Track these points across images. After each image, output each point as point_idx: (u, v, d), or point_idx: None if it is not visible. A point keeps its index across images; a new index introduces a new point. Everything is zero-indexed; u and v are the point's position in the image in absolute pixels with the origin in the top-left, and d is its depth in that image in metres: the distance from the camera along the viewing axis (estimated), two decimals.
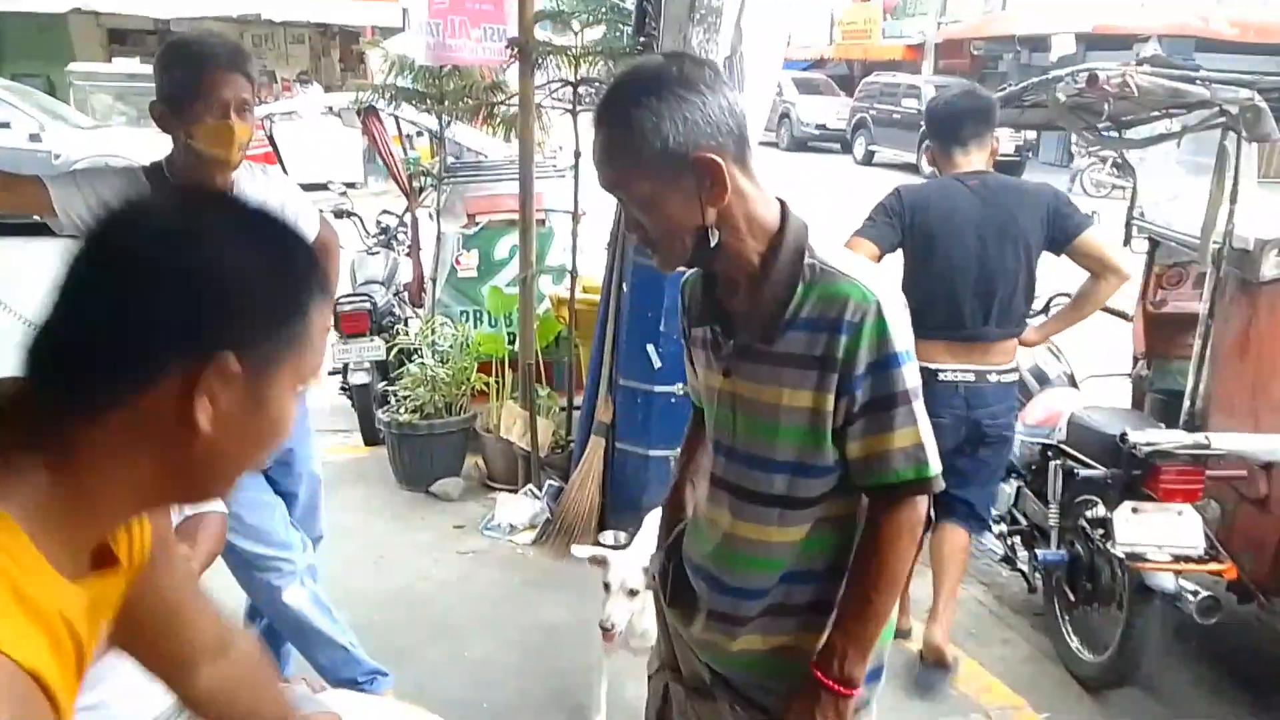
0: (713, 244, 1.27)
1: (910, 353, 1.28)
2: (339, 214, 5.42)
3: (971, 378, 2.78)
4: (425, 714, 2.13)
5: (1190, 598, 2.63)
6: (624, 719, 2.53)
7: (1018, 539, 3.37)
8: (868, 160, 17.41)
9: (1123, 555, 2.65)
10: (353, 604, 3.12)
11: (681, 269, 1.43)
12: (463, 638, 3.03)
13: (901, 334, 1.27)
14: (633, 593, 2.28)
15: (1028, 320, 3.01)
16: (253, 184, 2.36)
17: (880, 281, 1.30)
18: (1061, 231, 2.81)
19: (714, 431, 1.43)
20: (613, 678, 2.56)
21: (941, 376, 2.71)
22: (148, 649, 1.01)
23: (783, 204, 1.34)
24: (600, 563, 2.38)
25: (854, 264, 1.32)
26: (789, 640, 1.38)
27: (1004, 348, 2.86)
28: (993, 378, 2.81)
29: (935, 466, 1.30)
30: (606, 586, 2.31)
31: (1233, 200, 2.85)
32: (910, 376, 1.28)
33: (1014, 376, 2.93)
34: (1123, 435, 2.69)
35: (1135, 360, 3.75)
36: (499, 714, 2.60)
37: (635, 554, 2.43)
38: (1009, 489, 3.42)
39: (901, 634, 2.87)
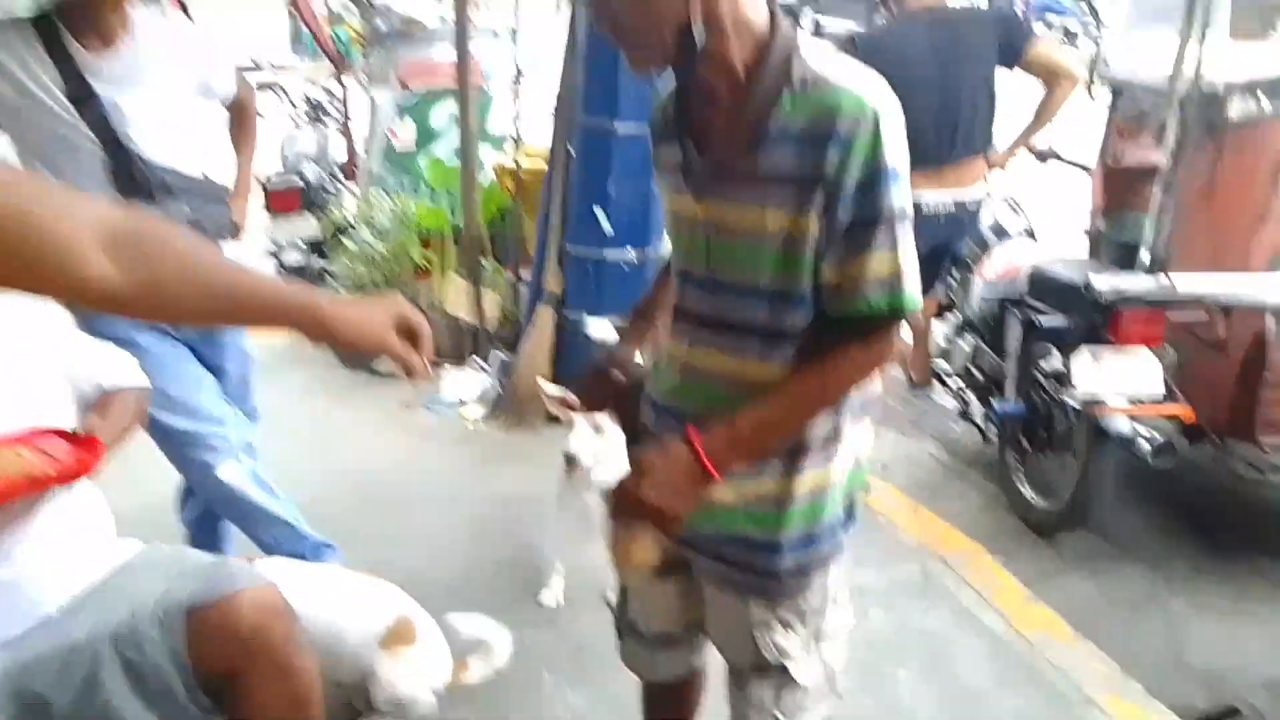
0: (697, 44, 1.12)
1: (902, 172, 1.15)
2: (264, 87, 5.09)
3: (952, 208, 2.98)
4: (372, 579, 2.07)
5: (1145, 442, 2.62)
6: (578, 584, 2.48)
7: (973, 393, 3.36)
8: (816, 32, 16.95)
9: (1080, 402, 2.64)
10: (298, 486, 3.00)
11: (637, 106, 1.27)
12: (413, 514, 2.95)
13: (896, 150, 1.14)
14: (598, 429, 2.21)
15: (993, 142, 3.16)
16: (153, 25, 2.14)
17: (879, 91, 1.15)
18: (1011, 47, 2.96)
19: (682, 262, 1.30)
20: (566, 544, 2.50)
21: (924, 210, 2.82)
22: (12, 273, 0.86)
23: (772, 9, 1.19)
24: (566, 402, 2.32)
25: (850, 71, 1.16)
26: (764, 489, 1.27)
27: (973, 169, 3.04)
28: (971, 206, 3.07)
29: (913, 299, 1.18)
30: (571, 422, 2.24)
31: (1201, 42, 2.74)
32: (899, 196, 1.14)
33: (986, 199, 3.20)
34: (1086, 282, 2.64)
35: (1093, 215, 3.69)
36: (453, 585, 2.53)
37: None
38: (965, 345, 3.40)
39: None
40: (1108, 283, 2.61)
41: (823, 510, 1.30)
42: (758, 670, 1.35)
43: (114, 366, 1.79)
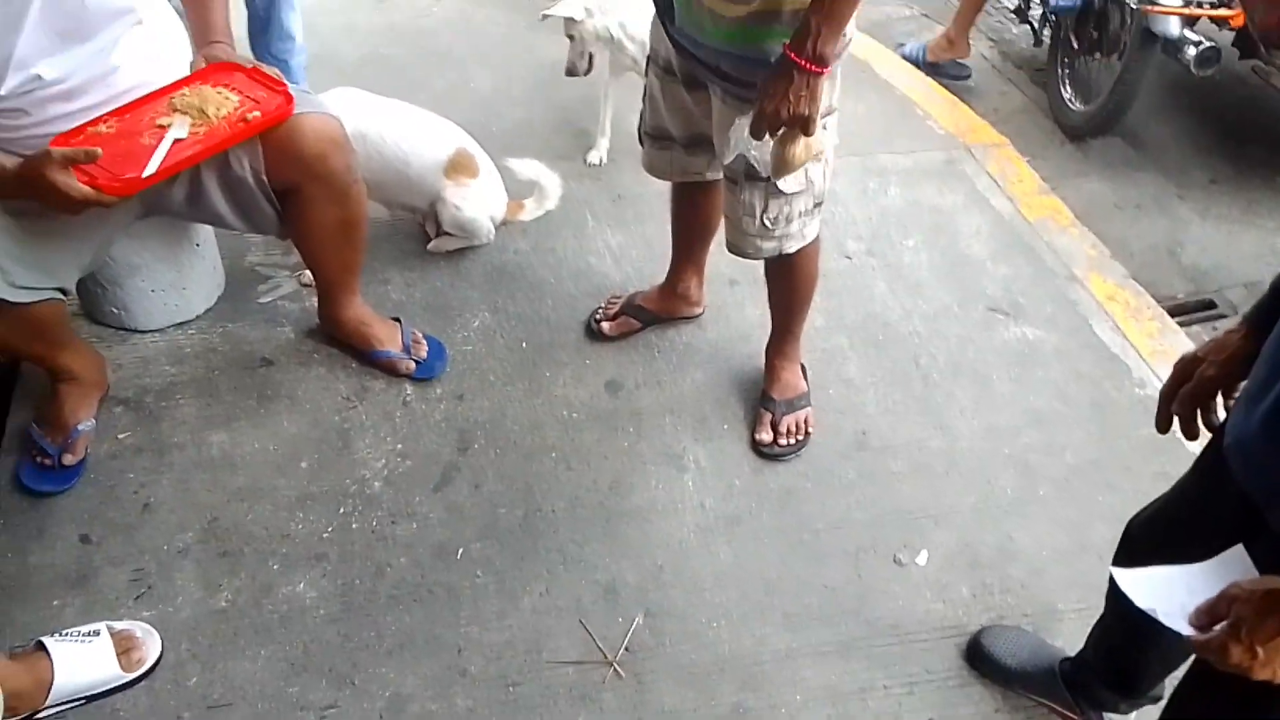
0: None
1: None
2: None
3: None
4: (435, 115, 2.25)
5: (1192, 47, 2.64)
6: (619, 147, 2.64)
7: None
8: None
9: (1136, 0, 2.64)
10: (357, 37, 3.14)
11: None
12: (469, 71, 3.07)
13: None
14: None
15: None
16: None
17: None
18: None
19: None
20: (616, 105, 2.64)
21: None
22: None
23: None
24: None
25: None
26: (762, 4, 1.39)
27: None
28: None
29: None
30: None
31: None
32: None
33: None
34: None
35: None
36: (507, 137, 2.70)
37: None
38: None
39: None
40: None
41: None
42: (748, 178, 1.57)
43: None
